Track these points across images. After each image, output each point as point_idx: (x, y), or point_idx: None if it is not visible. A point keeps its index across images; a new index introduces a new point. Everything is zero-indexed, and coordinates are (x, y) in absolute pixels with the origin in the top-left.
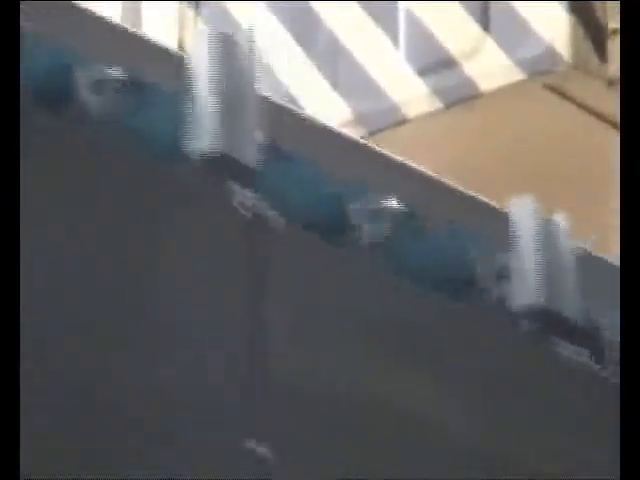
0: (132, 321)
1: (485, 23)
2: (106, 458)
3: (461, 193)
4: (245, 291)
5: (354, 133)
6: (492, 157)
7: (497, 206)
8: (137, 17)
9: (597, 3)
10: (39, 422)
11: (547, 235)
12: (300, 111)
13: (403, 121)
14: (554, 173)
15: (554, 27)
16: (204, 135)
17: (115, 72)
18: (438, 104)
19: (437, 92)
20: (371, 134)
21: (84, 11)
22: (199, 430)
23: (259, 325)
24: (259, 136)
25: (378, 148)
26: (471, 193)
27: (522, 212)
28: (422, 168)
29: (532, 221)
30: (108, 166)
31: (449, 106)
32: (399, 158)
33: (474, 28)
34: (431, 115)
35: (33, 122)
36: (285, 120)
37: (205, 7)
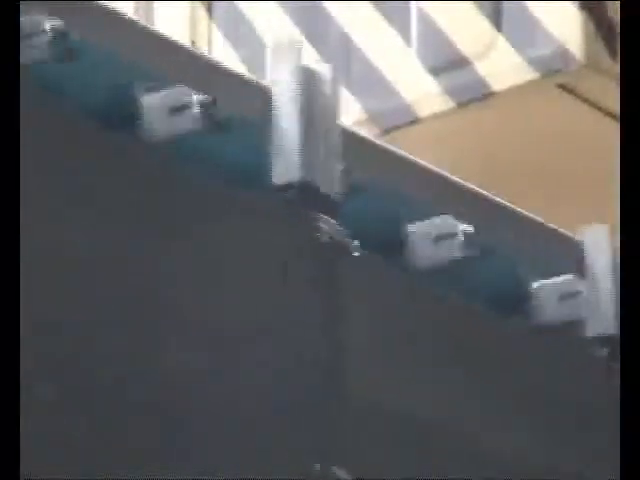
0: (205, 348)
1: (497, 22)
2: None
3: (524, 216)
4: (324, 315)
5: (366, 132)
6: (504, 156)
7: (557, 228)
8: (149, 17)
9: (609, 2)
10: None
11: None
12: (380, 142)
13: (415, 120)
14: (567, 171)
15: (566, 26)
16: (287, 165)
17: (197, 97)
18: (450, 103)
19: (449, 91)
20: (383, 133)
21: (167, 39)
22: (274, 452)
23: (336, 350)
24: (340, 166)
25: (456, 179)
26: (534, 217)
27: (596, 240)
28: (437, 167)
29: (606, 249)
30: (186, 194)
31: (461, 105)
32: (468, 184)
33: (486, 27)
34: (443, 114)
35: (100, 142)
36: (365, 150)
37: (217, 7)
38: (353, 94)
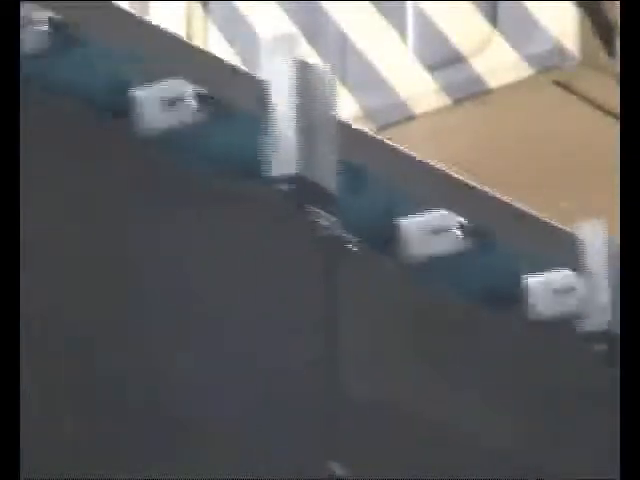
0: (206, 344)
1: (493, 19)
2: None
3: (522, 212)
4: (321, 311)
5: (363, 128)
6: (501, 153)
7: (563, 227)
8: (144, 15)
9: None
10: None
11: (614, 259)
12: (377, 135)
13: (411, 117)
14: (563, 168)
15: (562, 23)
16: (283, 158)
17: (195, 91)
18: (446, 100)
19: (445, 88)
20: (379, 129)
21: (163, 30)
22: (272, 448)
23: (334, 344)
24: (337, 159)
25: (452, 173)
26: (522, 206)
27: (592, 235)
28: (434, 162)
29: (602, 243)
30: (183, 186)
31: (457, 102)
32: (463, 178)
33: (483, 24)
34: (439, 111)
35: (97, 134)
36: (362, 144)
37: (213, 5)
38: (349, 91)
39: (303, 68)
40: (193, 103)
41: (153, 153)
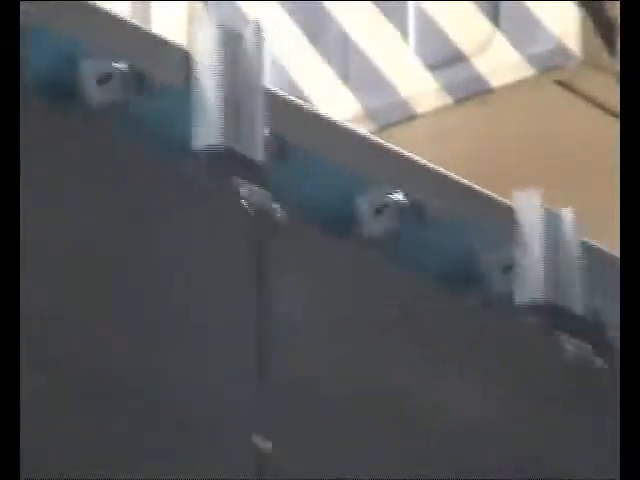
0: (134, 319)
1: (495, 19)
2: (108, 458)
3: (465, 186)
4: (250, 285)
5: (364, 128)
6: (502, 153)
7: (503, 200)
8: (146, 17)
9: None
10: (40, 422)
11: (553, 228)
12: (306, 105)
13: (413, 116)
14: (564, 168)
15: (564, 23)
16: (210, 130)
17: (120, 65)
18: (448, 99)
19: (447, 87)
20: (381, 129)
21: (89, 5)
22: (203, 427)
23: (264, 320)
24: (265, 130)
25: (383, 142)
26: (477, 187)
27: (528, 205)
28: (429, 162)
29: (538, 214)
30: (111, 160)
31: (459, 102)
32: (405, 152)
33: (484, 24)
34: (441, 110)
35: (35, 115)
36: (291, 114)
37: (215, 6)
38: (351, 90)
39: (230, 36)
40: (119, 78)
41: (89, 130)
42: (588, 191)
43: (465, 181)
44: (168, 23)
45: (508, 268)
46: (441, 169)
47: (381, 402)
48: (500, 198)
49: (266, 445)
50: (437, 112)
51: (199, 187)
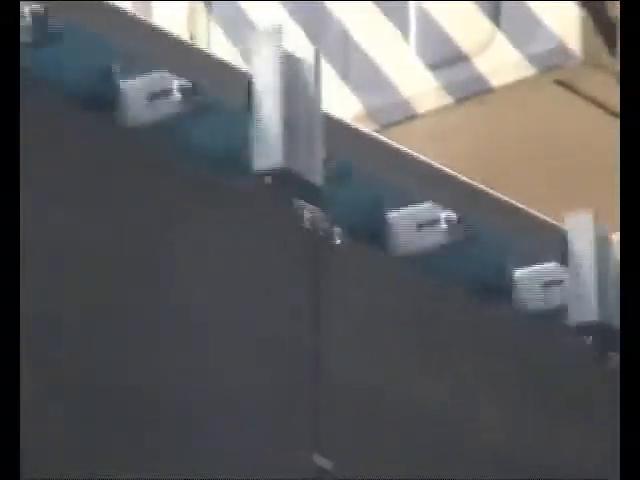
0: (189, 335)
1: (496, 18)
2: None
3: (508, 204)
4: (307, 302)
5: (365, 127)
6: (503, 152)
7: (548, 219)
8: (147, 16)
9: None
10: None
11: (602, 251)
12: (363, 129)
13: (413, 116)
14: (565, 167)
15: (565, 22)
16: (269, 152)
17: (179, 83)
18: (449, 99)
19: (448, 87)
20: (382, 128)
21: (148, 23)
22: (260, 441)
23: (321, 338)
24: (323, 154)
25: (431, 162)
26: (524, 207)
27: (579, 226)
28: (435, 162)
29: (589, 236)
30: (166, 178)
31: (460, 101)
32: (451, 172)
33: (485, 23)
34: (441, 110)
35: (81, 125)
36: (348, 138)
37: (216, 5)
38: (352, 90)
39: (290, 61)
40: (177, 96)
41: (139, 146)
42: (588, 191)
43: (508, 199)
44: (169, 23)
45: (549, 284)
46: (483, 186)
47: (419, 416)
48: (546, 217)
49: (323, 461)
50: (438, 111)
51: (258, 208)
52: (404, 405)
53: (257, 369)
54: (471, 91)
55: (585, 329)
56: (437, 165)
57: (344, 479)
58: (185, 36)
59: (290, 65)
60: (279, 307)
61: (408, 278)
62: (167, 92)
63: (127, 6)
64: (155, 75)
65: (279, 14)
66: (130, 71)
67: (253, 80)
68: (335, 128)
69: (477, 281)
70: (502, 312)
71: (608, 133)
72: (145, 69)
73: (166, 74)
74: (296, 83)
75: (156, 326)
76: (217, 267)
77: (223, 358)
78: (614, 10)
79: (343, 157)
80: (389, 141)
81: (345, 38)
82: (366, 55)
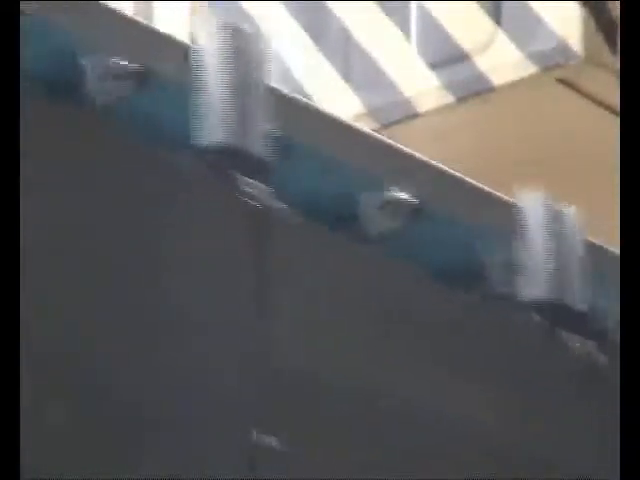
0: (134, 313)
1: (497, 17)
2: (106, 456)
3: (470, 185)
4: (251, 281)
5: (366, 126)
6: (504, 151)
7: (507, 198)
8: (148, 16)
9: None
10: (40, 422)
11: (556, 226)
12: (309, 102)
13: (415, 115)
14: (567, 166)
15: (566, 21)
16: (212, 126)
17: (122, 61)
18: (450, 98)
19: (449, 86)
20: (383, 127)
21: (90, 2)
22: (204, 421)
23: (265, 316)
24: (268, 127)
25: (385, 138)
26: (480, 185)
27: (531, 204)
28: (431, 160)
29: (541, 212)
30: (112, 154)
31: (461, 100)
32: (409, 150)
33: (486, 22)
34: (443, 109)
35: (35, 109)
36: (294, 111)
37: (218, 5)
38: (353, 88)
39: (234, 33)
40: (121, 73)
41: (92, 125)
42: (589, 189)
43: (466, 178)
44: (171, 23)
45: (510, 265)
46: (442, 166)
47: (375, 398)
48: (502, 195)
49: (268, 440)
50: (439, 111)
51: (200, 182)
52: (358, 389)
53: (204, 349)
54: (472, 90)
55: (537, 307)
56: (387, 140)
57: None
58: (186, 36)
59: (233, 36)
60: (226, 286)
61: (357, 258)
62: (109, 71)
63: (128, 6)
64: (101, 54)
65: (280, 14)
66: (80, 52)
67: (195, 53)
68: (282, 102)
69: (435, 263)
70: (470, 295)
71: (610, 131)
72: (92, 48)
73: (110, 53)
74: (240, 54)
75: (100, 307)
76: (159, 246)
77: (170, 338)
78: (615, 8)
79: (290, 132)
80: (343, 118)
81: (346, 37)
82: (367, 54)
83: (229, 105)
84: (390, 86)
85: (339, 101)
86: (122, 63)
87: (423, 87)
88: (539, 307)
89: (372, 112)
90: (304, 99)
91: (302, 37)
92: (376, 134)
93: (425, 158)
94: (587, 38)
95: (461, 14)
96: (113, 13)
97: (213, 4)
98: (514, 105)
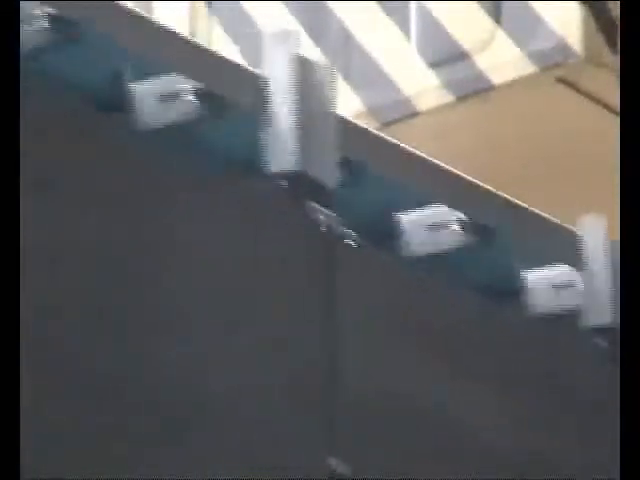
0: (210, 335)
1: (497, 16)
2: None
3: (512, 203)
4: (320, 307)
5: (366, 125)
6: (504, 150)
7: (542, 213)
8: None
9: None
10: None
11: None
12: (376, 131)
13: (415, 113)
14: (566, 166)
15: (566, 20)
16: (282, 154)
17: (191, 85)
18: (450, 97)
19: (449, 85)
20: (383, 126)
21: (158, 25)
22: (273, 444)
23: (333, 339)
24: (336, 155)
25: (451, 169)
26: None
27: (592, 230)
28: (436, 160)
29: (602, 240)
30: (180, 178)
31: (461, 99)
32: (461, 174)
33: (486, 21)
34: (443, 108)
35: (96, 128)
36: (361, 140)
37: (218, 5)
38: (353, 88)
39: (302, 64)
40: (191, 99)
41: (151, 148)
42: (589, 189)
43: (510, 198)
44: (170, 22)
45: (559, 287)
46: (493, 190)
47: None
48: (549, 216)
49: (340, 466)
50: (439, 109)
51: (270, 208)
52: (420, 409)
53: (272, 370)
54: (472, 89)
55: (599, 332)
56: (449, 168)
57: None
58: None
59: (303, 66)
60: (294, 309)
61: (420, 280)
62: (179, 95)
63: (128, 4)
64: (167, 78)
65: (280, 13)
66: (143, 74)
67: (267, 83)
68: (348, 130)
69: (489, 284)
70: (514, 315)
71: (609, 131)
72: (156, 71)
73: (179, 77)
74: (309, 85)
75: (173, 327)
76: (233, 270)
77: (240, 358)
78: (615, 8)
79: (356, 159)
80: (401, 143)
81: (346, 37)
82: (367, 53)
83: (298, 133)
84: (390, 85)
85: (339, 100)
86: (191, 86)
87: (423, 86)
88: (602, 332)
89: (372, 111)
90: (371, 128)
91: (302, 36)
92: (435, 161)
93: (477, 181)
94: (587, 38)
95: (461, 13)
96: (180, 37)
97: (213, 4)
98: (514, 104)
